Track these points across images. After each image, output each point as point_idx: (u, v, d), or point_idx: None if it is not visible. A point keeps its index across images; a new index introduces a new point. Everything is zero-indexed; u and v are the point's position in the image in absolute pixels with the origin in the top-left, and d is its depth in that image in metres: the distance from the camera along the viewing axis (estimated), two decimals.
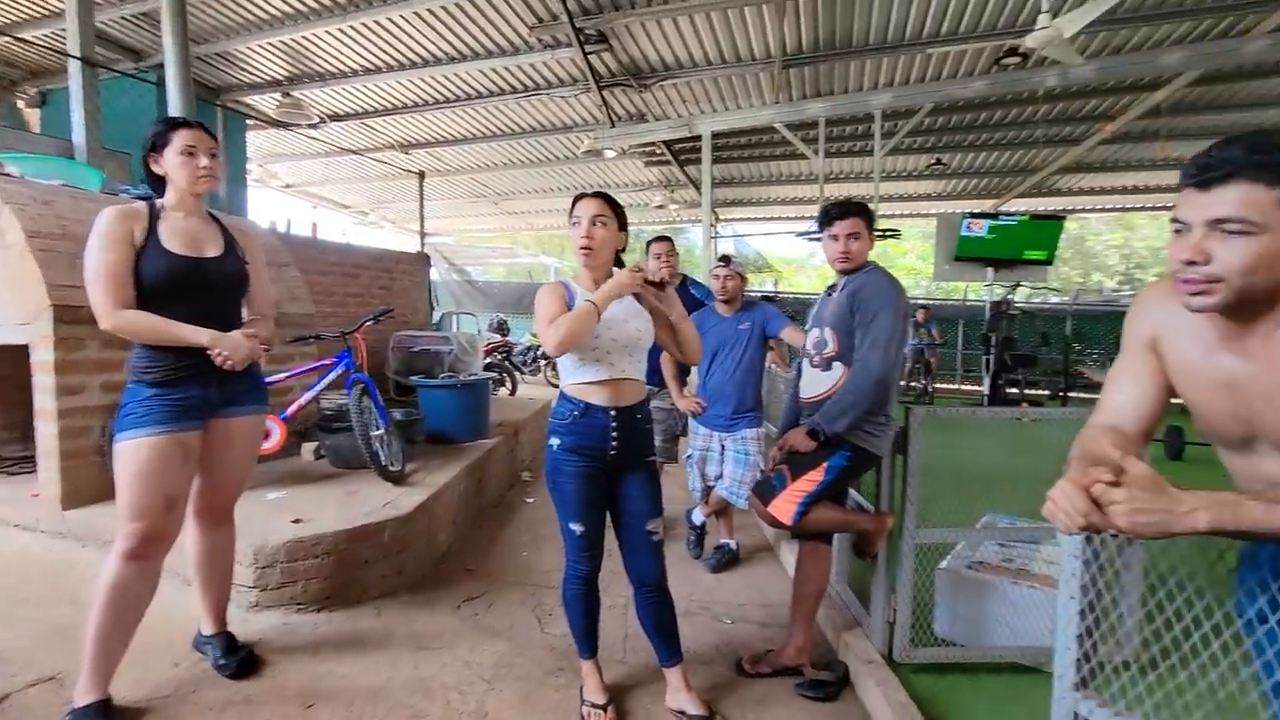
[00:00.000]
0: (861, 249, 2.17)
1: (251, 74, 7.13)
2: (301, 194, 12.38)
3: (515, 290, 14.90)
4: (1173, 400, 1.19)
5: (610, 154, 8.86)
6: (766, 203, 12.52)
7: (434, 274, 12.38)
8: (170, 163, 1.90)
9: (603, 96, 6.99)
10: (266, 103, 7.80)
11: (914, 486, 2.31)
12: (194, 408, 1.92)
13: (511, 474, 4.77)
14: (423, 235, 8.88)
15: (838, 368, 2.17)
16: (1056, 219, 8.62)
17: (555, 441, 1.96)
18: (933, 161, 9.33)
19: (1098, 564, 1.24)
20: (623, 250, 2.04)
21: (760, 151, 9.49)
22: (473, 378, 4.61)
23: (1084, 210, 12.40)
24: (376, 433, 3.32)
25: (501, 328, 10.14)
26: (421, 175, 8.93)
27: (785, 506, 2.15)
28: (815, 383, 2.25)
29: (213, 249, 1.96)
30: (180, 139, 1.89)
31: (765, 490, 2.24)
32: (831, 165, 9.62)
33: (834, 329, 2.19)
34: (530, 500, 4.35)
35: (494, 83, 7.17)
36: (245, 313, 2.09)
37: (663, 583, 2.03)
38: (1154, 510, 0.90)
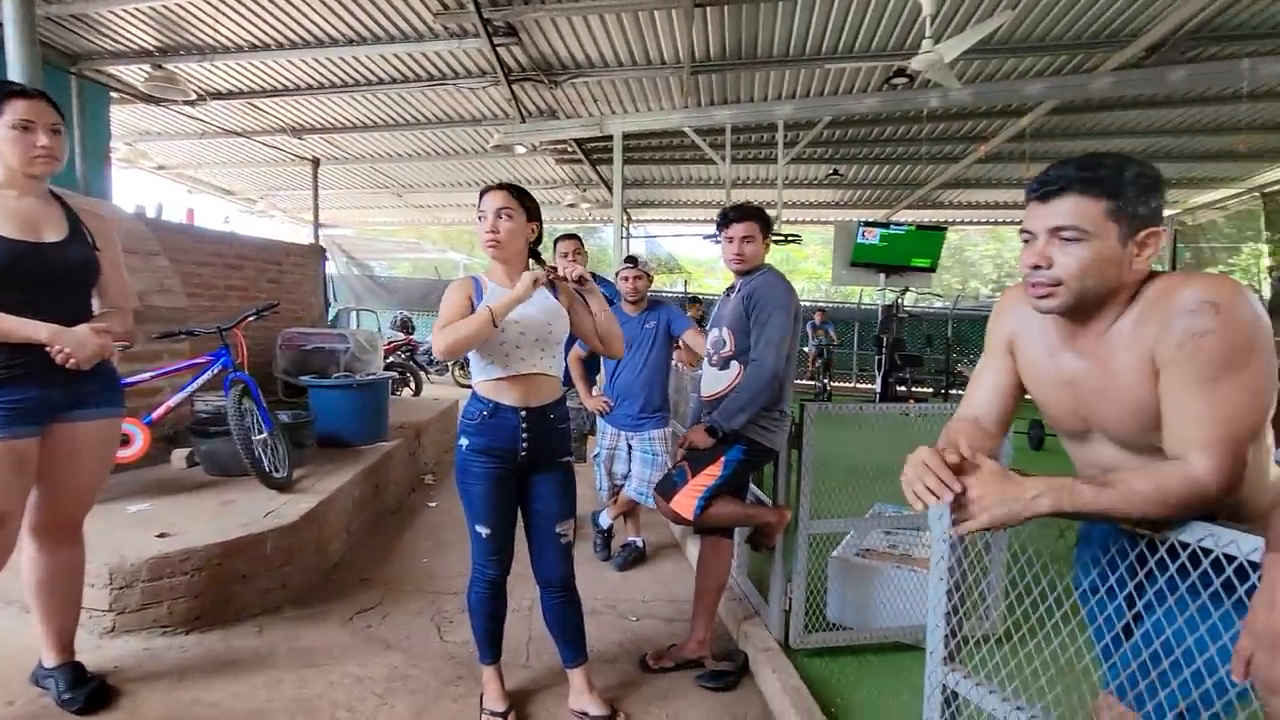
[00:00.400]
0: (755, 252, 2.24)
1: (116, 41, 6.39)
2: (178, 177, 11.26)
3: (421, 287, 14.31)
4: (1028, 397, 1.31)
5: (521, 150, 8.70)
6: (677, 205, 12.72)
7: (331, 268, 11.68)
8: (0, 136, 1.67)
9: (512, 91, 6.84)
10: (134, 74, 7.03)
11: (808, 480, 2.41)
12: (30, 411, 1.69)
13: (413, 478, 4.58)
14: (317, 225, 8.33)
15: (734, 366, 2.24)
16: (939, 230, 9.34)
17: (464, 442, 1.91)
18: (831, 172, 9.83)
19: (963, 546, 1.35)
20: (537, 242, 2.00)
21: (671, 155, 9.62)
22: (370, 377, 4.37)
23: (963, 223, 13.49)
24: (259, 436, 3.08)
25: (405, 325, 9.71)
26: (316, 162, 8.37)
27: (686, 501, 2.19)
28: (714, 381, 2.31)
29: (53, 233, 1.73)
30: (14, 111, 1.66)
31: (667, 486, 2.28)
32: (738, 171, 9.92)
33: (731, 329, 2.26)
34: (433, 504, 4.19)
35: (396, 69, 6.84)
36: (97, 305, 1.87)
37: (570, 584, 2.01)
38: (1006, 499, 0.99)
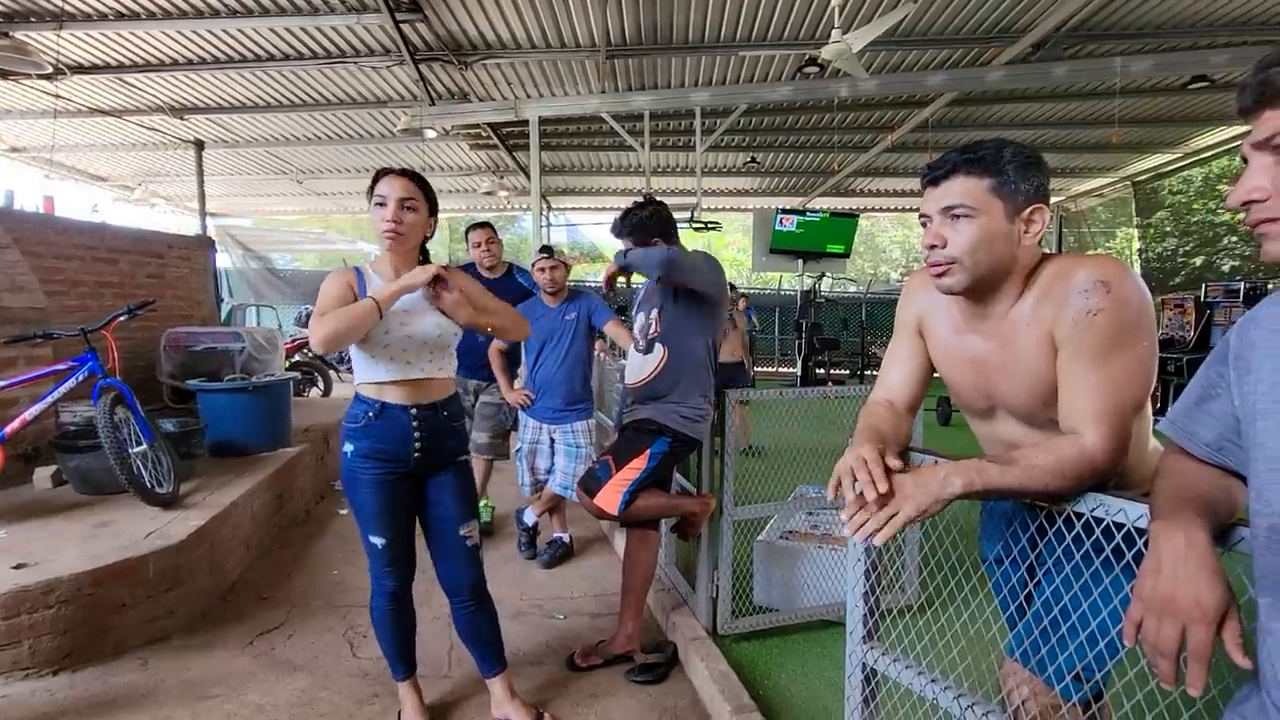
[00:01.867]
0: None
1: None
2: (38, 161, 10.05)
3: None
4: (936, 375, 1.34)
5: (431, 134, 8.30)
6: (598, 193, 12.59)
7: (225, 261, 10.80)
8: None
9: (419, 71, 6.50)
10: None
11: (730, 466, 2.42)
12: None
13: (322, 484, 4.30)
14: (204, 214, 7.65)
15: (659, 349, 2.20)
16: (852, 216, 9.69)
17: (350, 447, 1.76)
18: (749, 159, 10.00)
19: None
20: (429, 237, 1.85)
21: (590, 141, 9.48)
22: (269, 378, 4.05)
23: (873, 210, 14.12)
24: (137, 449, 2.79)
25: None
26: (200, 145, 7.66)
27: (611, 497, 2.14)
28: (639, 367, 2.26)
29: None
30: None
31: (591, 482, 2.22)
32: (657, 158, 9.91)
33: (658, 310, 2.22)
34: (344, 512, 3.94)
35: (289, 45, 6.33)
36: None
37: (480, 590, 1.91)
38: (922, 484, 1.00)
